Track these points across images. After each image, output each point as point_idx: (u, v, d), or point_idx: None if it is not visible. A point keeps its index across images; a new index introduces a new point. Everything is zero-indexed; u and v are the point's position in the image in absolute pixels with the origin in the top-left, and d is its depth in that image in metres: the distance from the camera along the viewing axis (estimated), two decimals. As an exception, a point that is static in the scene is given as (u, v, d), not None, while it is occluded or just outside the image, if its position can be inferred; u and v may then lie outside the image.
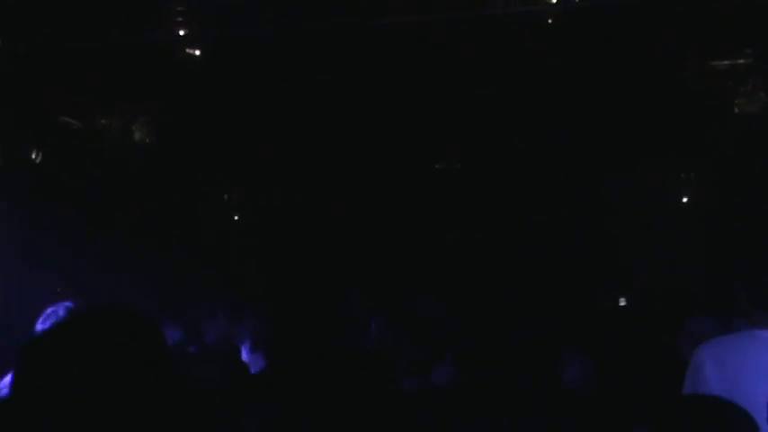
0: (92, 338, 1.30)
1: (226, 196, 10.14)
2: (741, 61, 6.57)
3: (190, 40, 5.50)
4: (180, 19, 5.36)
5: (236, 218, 9.69)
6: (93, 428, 1.24)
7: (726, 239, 6.99)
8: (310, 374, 2.92)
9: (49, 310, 4.07)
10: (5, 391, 3.42)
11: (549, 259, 8.58)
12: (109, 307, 1.36)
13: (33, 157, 7.20)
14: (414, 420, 2.61)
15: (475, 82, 6.71)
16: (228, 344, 5.26)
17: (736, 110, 6.77)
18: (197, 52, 5.54)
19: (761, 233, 2.89)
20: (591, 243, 8.60)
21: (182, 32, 5.35)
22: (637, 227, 8.41)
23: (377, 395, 3.14)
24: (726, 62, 6.58)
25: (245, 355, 4.92)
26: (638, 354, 4.75)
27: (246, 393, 3.04)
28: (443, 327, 4.54)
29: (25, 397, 1.26)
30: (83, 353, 1.28)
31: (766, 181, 6.93)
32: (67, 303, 4.16)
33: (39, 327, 4.04)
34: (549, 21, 5.36)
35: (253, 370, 3.85)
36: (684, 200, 8.94)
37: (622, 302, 7.27)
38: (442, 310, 4.62)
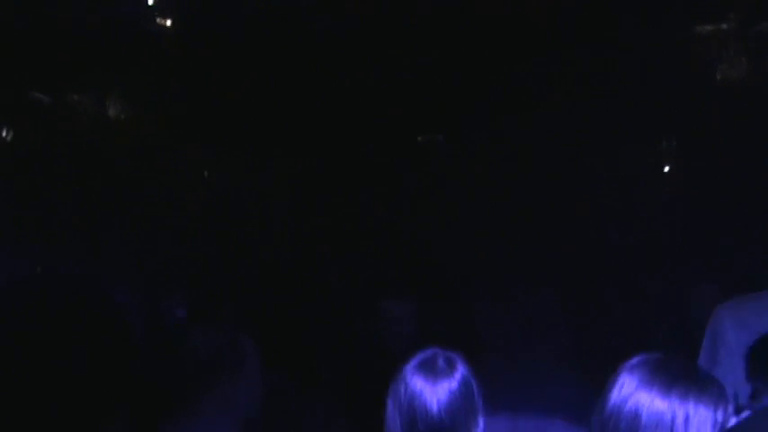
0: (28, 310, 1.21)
1: (205, 173, 10.00)
2: (723, 26, 6.51)
3: (160, 10, 5.37)
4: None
5: (214, 196, 9.56)
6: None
7: (710, 207, 6.98)
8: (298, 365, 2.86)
9: None
10: None
11: (532, 230, 8.53)
12: (49, 278, 1.27)
13: (3, 134, 7.07)
14: None
15: (456, 53, 6.63)
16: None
17: (718, 76, 6.72)
18: (168, 22, 5.41)
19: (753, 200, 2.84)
20: (572, 213, 8.56)
21: (150, 2, 5.22)
22: (618, 196, 8.38)
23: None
24: (708, 27, 6.52)
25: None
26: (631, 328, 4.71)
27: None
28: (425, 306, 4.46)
29: None
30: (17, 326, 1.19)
31: (748, 148, 6.90)
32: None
33: None
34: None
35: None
36: (666, 169, 8.90)
37: None
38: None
